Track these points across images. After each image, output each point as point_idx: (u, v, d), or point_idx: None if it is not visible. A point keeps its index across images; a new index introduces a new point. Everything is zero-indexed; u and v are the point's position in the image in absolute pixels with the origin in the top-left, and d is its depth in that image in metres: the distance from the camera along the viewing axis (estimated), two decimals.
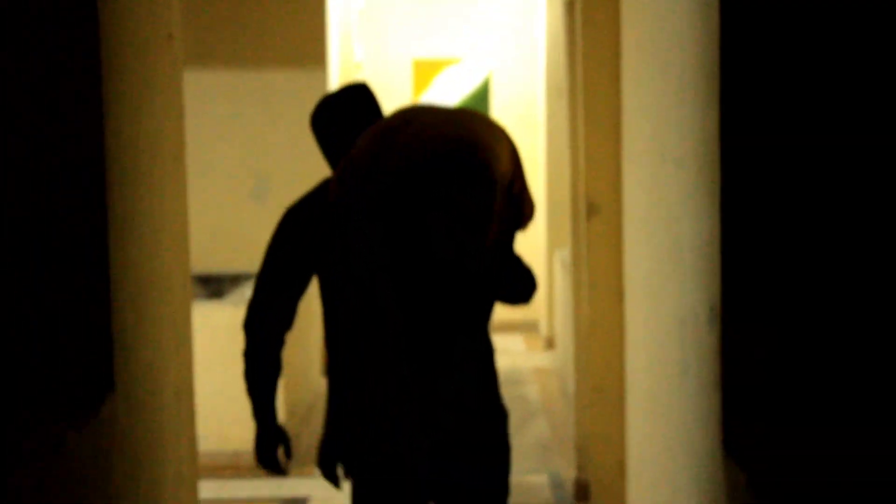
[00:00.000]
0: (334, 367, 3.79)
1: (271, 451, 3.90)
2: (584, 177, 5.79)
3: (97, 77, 3.46)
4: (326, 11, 9.88)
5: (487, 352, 3.73)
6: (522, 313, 12.23)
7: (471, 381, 3.66)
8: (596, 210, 5.73)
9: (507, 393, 9.15)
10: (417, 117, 3.56)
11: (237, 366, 7.24)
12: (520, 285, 3.71)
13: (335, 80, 10.48)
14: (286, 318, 3.88)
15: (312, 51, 9.81)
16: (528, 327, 12.41)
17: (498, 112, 12.17)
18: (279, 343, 3.92)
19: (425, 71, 12.28)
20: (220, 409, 7.25)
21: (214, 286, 8.87)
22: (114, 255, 3.52)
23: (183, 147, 4.61)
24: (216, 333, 7.23)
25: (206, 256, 9.60)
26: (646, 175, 4.84)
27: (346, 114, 3.96)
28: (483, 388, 3.69)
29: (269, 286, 3.86)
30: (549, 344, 11.25)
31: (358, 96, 3.99)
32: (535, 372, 10.41)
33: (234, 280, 8.89)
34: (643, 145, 4.83)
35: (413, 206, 3.49)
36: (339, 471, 3.96)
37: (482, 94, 12.24)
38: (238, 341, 7.28)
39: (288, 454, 4.03)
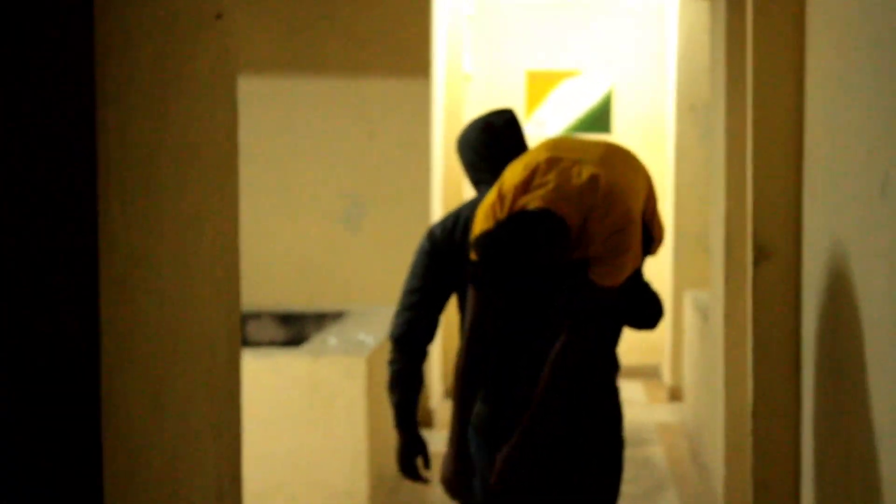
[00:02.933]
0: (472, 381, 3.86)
1: (413, 460, 4.14)
2: (750, 211, 4.57)
3: (86, 66, 2.36)
4: (432, 16, 8.82)
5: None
6: (642, 357, 11.00)
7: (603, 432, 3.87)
8: (766, 254, 4.50)
9: (630, 455, 7.93)
10: (559, 161, 3.64)
11: (316, 426, 6.22)
12: (647, 310, 3.87)
13: (440, 91, 9.40)
14: (434, 333, 4.10)
15: (416, 59, 8.80)
16: (648, 374, 11.17)
17: (620, 130, 11.03)
18: (425, 356, 4.12)
19: (540, 84, 11.23)
20: (293, 475, 6.12)
21: (296, 327, 7.79)
22: (107, 296, 2.42)
23: (234, 154, 3.49)
24: (290, 388, 6.10)
25: (288, 291, 8.58)
26: (850, 212, 3.62)
27: (507, 140, 4.08)
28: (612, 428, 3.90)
29: (423, 301, 4.05)
30: (674, 395, 10.00)
31: (515, 123, 4.11)
32: (659, 429, 9.15)
33: (319, 320, 7.79)
34: (847, 170, 3.61)
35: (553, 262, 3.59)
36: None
37: (603, 111, 11.13)
38: (315, 398, 6.28)
39: (427, 464, 4.23)
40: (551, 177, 3.60)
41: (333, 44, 8.74)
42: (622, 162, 3.67)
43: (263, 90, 8.74)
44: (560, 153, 3.67)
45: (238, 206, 3.58)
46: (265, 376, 6.10)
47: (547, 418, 3.68)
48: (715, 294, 5.99)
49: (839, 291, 3.88)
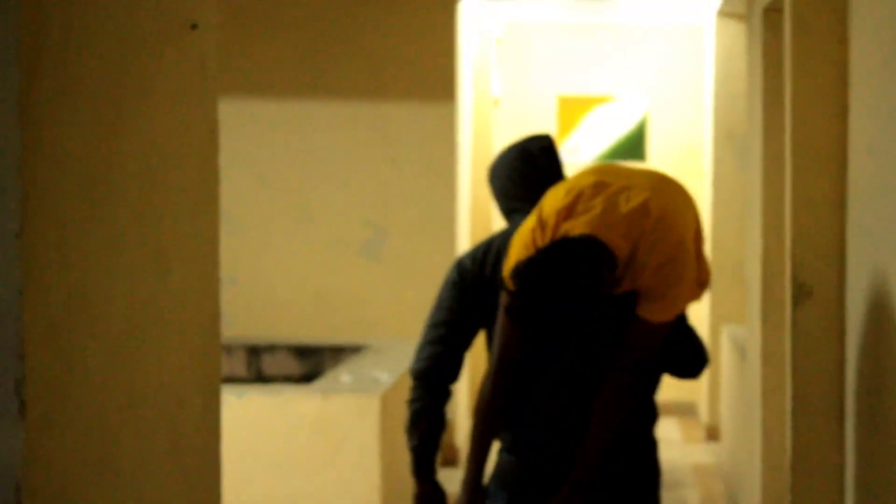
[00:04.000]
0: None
1: None
2: (789, 246, 4.18)
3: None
4: (458, 38, 8.48)
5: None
6: (678, 393, 10.59)
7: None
8: (807, 292, 4.11)
9: (665, 498, 7.52)
10: (606, 186, 3.37)
11: (326, 470, 5.86)
12: (691, 356, 3.60)
13: (467, 116, 9.06)
14: (459, 370, 3.85)
15: (441, 82, 8.50)
16: (684, 411, 10.76)
17: (655, 158, 10.68)
18: (449, 396, 3.83)
19: (572, 109, 10.90)
20: None
21: (313, 361, 7.44)
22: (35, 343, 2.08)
23: (213, 179, 3.16)
24: (299, 428, 5.73)
25: (305, 323, 8.25)
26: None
27: (544, 168, 3.82)
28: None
29: (449, 335, 3.81)
30: (711, 434, 9.58)
31: (552, 149, 3.87)
32: (695, 470, 8.74)
33: (336, 353, 7.43)
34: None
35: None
36: None
37: (637, 138, 10.78)
38: (325, 439, 5.93)
39: None
40: (597, 202, 3.32)
41: (355, 66, 8.43)
42: (674, 191, 3.40)
43: (281, 114, 8.43)
44: (607, 178, 3.39)
45: (217, 239, 3.23)
46: (272, 415, 5.74)
47: (593, 474, 3.44)
48: (752, 332, 5.59)
49: (886, 333, 3.50)
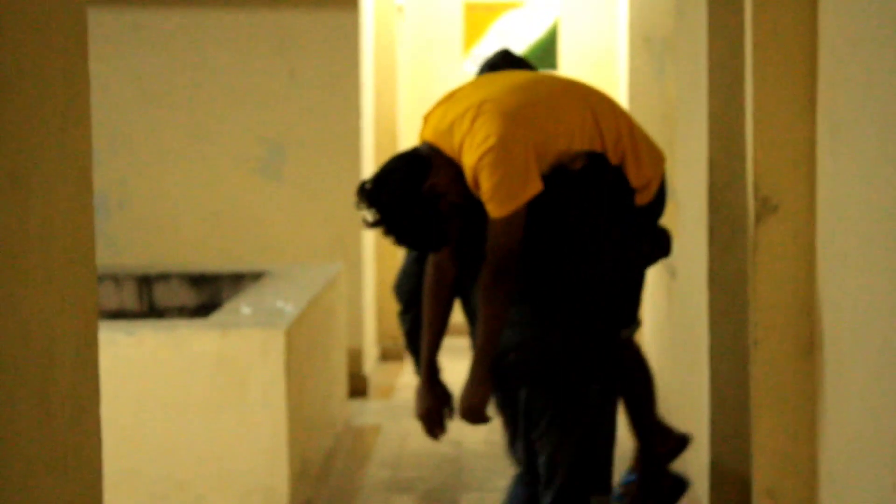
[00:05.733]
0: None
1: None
2: (751, 155, 3.68)
3: None
4: None
5: None
6: None
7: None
8: (772, 207, 3.62)
9: None
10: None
11: (227, 411, 5.33)
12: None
13: (370, 24, 8.49)
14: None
15: None
16: None
17: (567, 66, 10.16)
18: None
19: (479, 16, 10.36)
20: (200, 469, 5.22)
21: (210, 289, 6.89)
22: None
23: (83, 86, 2.58)
24: (196, 367, 5.19)
25: (201, 249, 7.69)
26: (881, 150, 2.76)
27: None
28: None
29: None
30: None
31: (513, 57, 4.38)
32: None
33: (236, 280, 6.88)
34: (882, 96, 2.76)
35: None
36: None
37: (548, 45, 10.28)
38: (226, 378, 5.39)
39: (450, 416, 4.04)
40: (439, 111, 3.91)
41: None
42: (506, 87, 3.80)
43: (169, 23, 7.81)
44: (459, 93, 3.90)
45: (90, 158, 2.65)
46: (165, 353, 5.18)
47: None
48: (694, 251, 5.11)
49: (861, 253, 3.04)
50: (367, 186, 3.83)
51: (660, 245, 3.99)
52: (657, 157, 3.89)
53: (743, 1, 3.87)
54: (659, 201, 3.90)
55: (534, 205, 3.69)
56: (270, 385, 5.21)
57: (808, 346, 3.61)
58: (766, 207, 3.62)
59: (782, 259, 3.63)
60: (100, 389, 2.68)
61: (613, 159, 3.75)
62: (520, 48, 10.21)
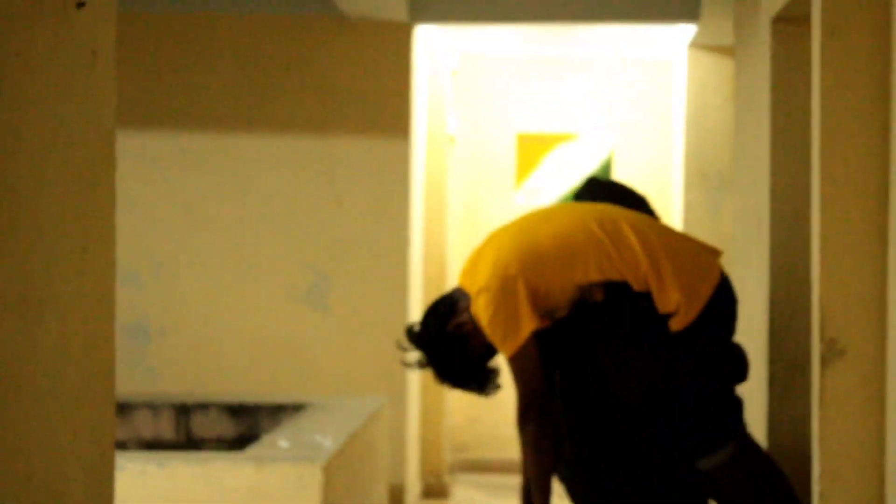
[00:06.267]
0: None
1: None
2: (817, 293, 3.48)
3: None
4: (412, 70, 7.83)
5: None
6: None
7: None
8: (839, 351, 3.41)
9: None
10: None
11: None
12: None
13: (420, 153, 8.38)
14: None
15: (393, 117, 7.87)
16: None
17: None
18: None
19: (532, 148, 10.28)
20: None
21: (248, 421, 6.69)
22: None
23: (108, 201, 2.43)
24: (230, 501, 4.97)
25: (241, 378, 7.55)
26: None
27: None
28: None
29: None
30: None
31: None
32: None
33: (275, 413, 6.68)
34: None
35: None
36: None
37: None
38: None
39: None
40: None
41: (300, 98, 7.75)
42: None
43: (218, 149, 7.72)
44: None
45: (113, 280, 2.49)
46: (199, 487, 4.98)
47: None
48: (747, 397, 4.89)
49: None
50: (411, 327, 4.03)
51: (734, 368, 3.96)
52: (693, 281, 3.81)
53: (807, 134, 3.69)
54: (711, 322, 3.83)
55: (559, 339, 3.84)
56: None
57: (878, 502, 3.37)
58: (833, 350, 3.40)
59: (850, 408, 3.41)
60: None
61: (636, 286, 3.75)
62: (573, 181, 10.09)
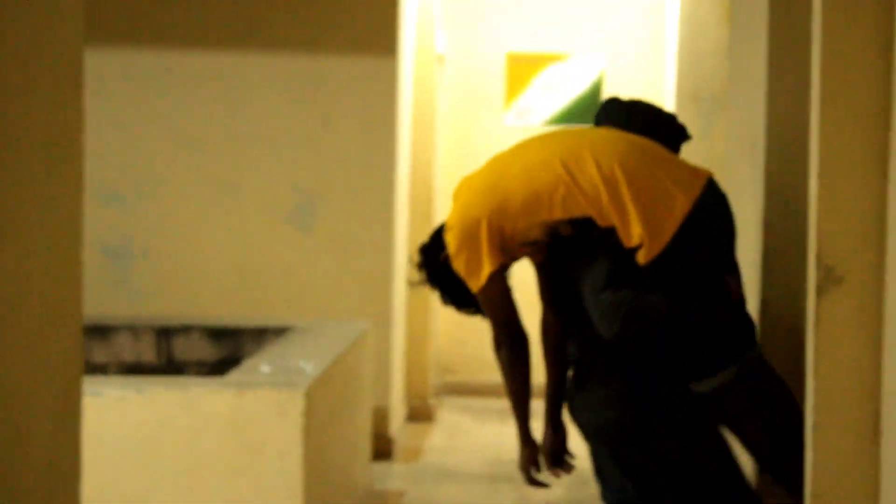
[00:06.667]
0: None
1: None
2: (814, 220, 3.37)
3: None
4: None
5: None
6: None
7: None
8: (837, 279, 3.31)
9: None
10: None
11: (241, 477, 5.04)
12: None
13: (409, 73, 8.24)
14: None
15: (380, 35, 7.73)
16: None
17: None
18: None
19: (521, 68, 10.14)
20: None
21: (231, 344, 6.60)
22: None
23: (76, 125, 2.31)
24: (209, 429, 4.89)
25: (225, 300, 7.46)
26: None
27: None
28: None
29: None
30: None
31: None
32: None
33: (258, 336, 6.58)
34: None
35: None
36: None
37: (592, 100, 10.04)
38: (240, 441, 5.09)
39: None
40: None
41: (285, 16, 7.59)
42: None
43: (202, 68, 7.58)
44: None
45: (80, 206, 2.37)
46: (176, 414, 4.89)
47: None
48: None
49: None
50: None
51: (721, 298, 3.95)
52: (658, 215, 3.85)
53: (806, 55, 3.57)
54: (691, 250, 3.88)
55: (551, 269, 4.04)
56: (287, 449, 4.91)
57: (873, 432, 3.28)
58: (830, 278, 3.30)
59: (846, 336, 3.31)
60: (81, 467, 2.39)
61: (600, 221, 3.84)
62: (563, 102, 9.96)
